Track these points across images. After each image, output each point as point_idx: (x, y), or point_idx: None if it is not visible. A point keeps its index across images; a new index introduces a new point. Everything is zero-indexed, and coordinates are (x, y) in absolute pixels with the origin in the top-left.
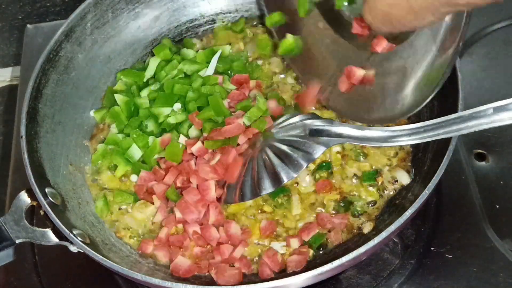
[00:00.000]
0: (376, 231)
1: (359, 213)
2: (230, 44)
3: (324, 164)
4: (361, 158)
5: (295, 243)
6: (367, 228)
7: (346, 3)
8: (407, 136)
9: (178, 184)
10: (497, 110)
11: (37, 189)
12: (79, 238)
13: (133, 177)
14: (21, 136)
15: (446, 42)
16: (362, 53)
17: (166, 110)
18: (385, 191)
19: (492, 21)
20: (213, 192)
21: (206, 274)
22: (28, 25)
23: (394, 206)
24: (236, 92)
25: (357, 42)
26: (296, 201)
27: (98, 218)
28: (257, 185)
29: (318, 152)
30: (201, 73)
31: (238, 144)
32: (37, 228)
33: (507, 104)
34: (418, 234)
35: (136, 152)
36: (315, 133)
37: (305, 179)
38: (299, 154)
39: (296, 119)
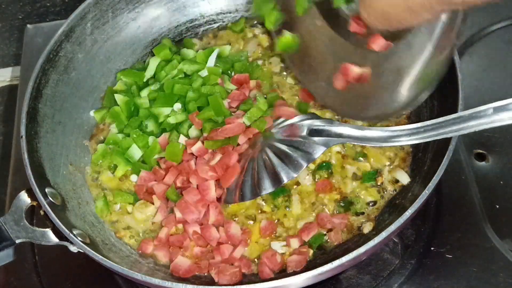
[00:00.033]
0: (376, 231)
1: (359, 213)
2: (230, 44)
3: (324, 164)
4: (361, 158)
5: (295, 243)
6: (367, 228)
7: (344, 2)
8: (407, 136)
9: (178, 184)
10: (497, 110)
11: (37, 189)
12: (79, 238)
13: (133, 177)
14: (21, 136)
15: (443, 41)
16: (359, 51)
17: (166, 110)
18: (385, 191)
19: (492, 21)
20: (213, 192)
21: (206, 274)
22: (28, 25)
23: (394, 206)
24: (236, 92)
25: (355, 40)
26: (296, 201)
27: (98, 218)
28: (257, 185)
29: (318, 152)
30: (201, 73)
31: (238, 144)
32: (37, 228)
33: (507, 104)
34: (418, 234)
35: (136, 152)
36: (315, 133)
37: (305, 179)
38: (299, 154)
39: (296, 119)
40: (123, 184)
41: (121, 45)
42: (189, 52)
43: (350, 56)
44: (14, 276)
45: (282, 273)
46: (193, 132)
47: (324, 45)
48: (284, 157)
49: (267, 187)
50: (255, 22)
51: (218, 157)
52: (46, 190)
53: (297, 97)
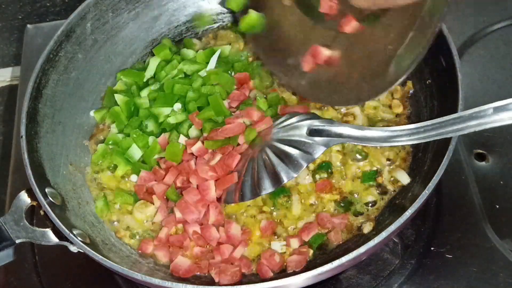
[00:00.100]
0: (376, 231)
1: (359, 213)
2: (230, 44)
3: (324, 164)
4: (361, 158)
5: (295, 243)
6: (367, 228)
7: None
8: (407, 136)
9: (178, 184)
10: (497, 110)
11: (37, 189)
12: (79, 238)
13: (133, 177)
14: (21, 136)
15: (425, 23)
16: (329, 33)
17: (166, 110)
18: (385, 191)
19: (492, 21)
20: (213, 192)
21: (206, 274)
22: (28, 25)
23: (394, 206)
24: (236, 92)
25: (325, 22)
26: (296, 201)
27: (98, 218)
28: (257, 185)
29: (318, 152)
30: (201, 73)
31: (239, 144)
32: (37, 228)
33: (507, 104)
34: (418, 234)
35: (136, 152)
36: (315, 133)
37: (305, 179)
38: (299, 154)
39: (296, 119)
40: (123, 184)
41: (121, 45)
42: (189, 52)
43: (319, 38)
44: (14, 276)
45: (282, 273)
46: (193, 132)
47: (292, 26)
48: (284, 157)
49: (267, 187)
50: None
51: (218, 157)
52: (46, 190)
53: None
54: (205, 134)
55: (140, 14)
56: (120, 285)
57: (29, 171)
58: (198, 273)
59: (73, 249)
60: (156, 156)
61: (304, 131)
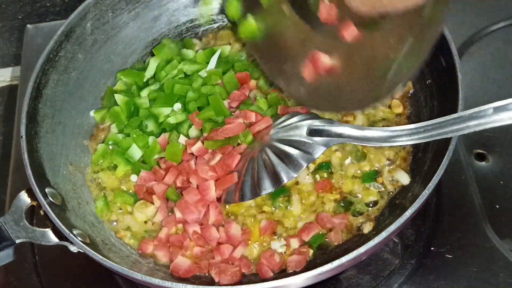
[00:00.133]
0: (376, 231)
1: (359, 213)
2: (230, 44)
3: (324, 164)
4: (361, 158)
5: (295, 243)
6: (367, 228)
7: None
8: (407, 136)
9: (178, 184)
10: (497, 110)
11: (37, 189)
12: (79, 238)
13: (133, 177)
14: (21, 136)
15: (425, 28)
16: (329, 40)
17: (166, 110)
18: (385, 191)
19: (492, 21)
20: (213, 192)
21: (206, 274)
22: (28, 25)
23: (394, 206)
24: (236, 93)
25: (324, 29)
26: (296, 201)
27: (98, 218)
28: (257, 185)
29: (318, 152)
30: (201, 73)
31: (239, 144)
32: (37, 228)
33: (507, 104)
34: (418, 234)
35: (136, 152)
36: (315, 133)
37: (305, 179)
38: (299, 154)
39: (296, 119)
40: (123, 184)
41: (121, 45)
42: (188, 52)
43: (319, 46)
44: (14, 276)
45: (282, 273)
46: (193, 132)
47: (291, 33)
48: (284, 157)
49: (267, 187)
50: None
51: (218, 157)
52: (46, 190)
53: None
54: (205, 134)
55: (140, 14)
56: (120, 285)
57: (29, 171)
58: (198, 273)
59: (73, 249)
60: (156, 156)
61: (304, 131)
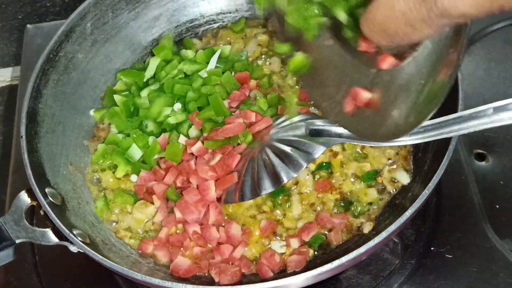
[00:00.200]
0: (376, 231)
1: (359, 213)
2: (230, 44)
3: (324, 164)
4: (361, 158)
5: (295, 243)
6: (367, 228)
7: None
8: (407, 136)
9: (178, 184)
10: (497, 110)
11: (37, 189)
12: (79, 238)
13: (133, 177)
14: (21, 136)
15: (449, 55)
16: (369, 71)
17: (166, 110)
18: (385, 191)
19: (492, 21)
20: (213, 192)
21: (206, 274)
22: (28, 25)
23: (394, 206)
24: (236, 93)
25: (365, 61)
26: (296, 201)
27: (98, 218)
28: (257, 185)
29: (318, 152)
30: (201, 73)
31: (239, 144)
32: (37, 228)
33: (507, 104)
34: (418, 234)
35: (136, 152)
36: (315, 133)
37: (305, 179)
38: (299, 154)
39: (296, 119)
40: (123, 184)
41: (121, 45)
42: (187, 53)
43: (360, 76)
44: (14, 276)
45: (282, 273)
46: (193, 132)
47: (334, 64)
48: (284, 157)
49: (267, 187)
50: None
51: (218, 157)
52: (46, 190)
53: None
54: (205, 134)
55: (140, 14)
56: (120, 285)
57: (29, 171)
58: (198, 273)
59: (73, 249)
60: (156, 156)
61: (304, 131)
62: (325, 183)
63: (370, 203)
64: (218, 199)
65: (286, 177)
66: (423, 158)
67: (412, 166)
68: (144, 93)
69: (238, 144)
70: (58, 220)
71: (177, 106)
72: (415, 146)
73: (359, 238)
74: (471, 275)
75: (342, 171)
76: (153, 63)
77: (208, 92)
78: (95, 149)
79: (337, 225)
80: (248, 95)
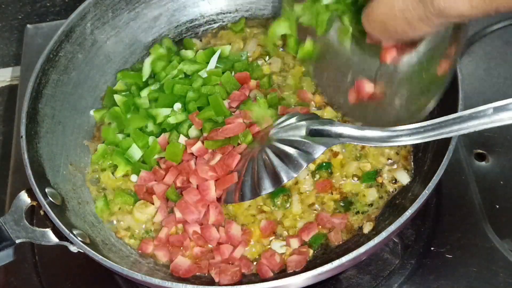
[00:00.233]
0: (376, 231)
1: (359, 213)
2: (230, 44)
3: (324, 164)
4: (361, 158)
5: (295, 243)
6: (367, 228)
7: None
8: (407, 136)
9: (178, 184)
10: (497, 110)
11: (37, 189)
12: (79, 238)
13: (133, 177)
14: (21, 136)
15: (449, 50)
16: (374, 63)
17: (166, 110)
18: (385, 191)
19: (492, 21)
20: (213, 192)
21: (206, 274)
22: (28, 25)
23: (394, 206)
24: (236, 93)
25: (371, 52)
26: (296, 201)
27: (98, 218)
28: (257, 185)
29: (318, 152)
30: (201, 73)
31: (239, 144)
32: (37, 228)
33: (507, 104)
34: (418, 234)
35: (136, 152)
36: (315, 133)
37: (305, 179)
38: (299, 154)
39: (296, 119)
40: (123, 184)
41: (121, 45)
42: (187, 53)
43: (366, 68)
44: (14, 276)
45: (282, 273)
46: (193, 132)
47: (342, 54)
48: (284, 157)
49: (267, 187)
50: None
51: (218, 157)
52: (46, 190)
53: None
54: (205, 134)
55: (140, 14)
56: (120, 285)
57: (29, 171)
58: (198, 273)
59: (73, 249)
60: (156, 156)
61: (304, 131)
62: (325, 183)
63: (370, 203)
64: (218, 199)
65: (286, 177)
66: (423, 158)
67: (412, 166)
68: (144, 93)
69: (238, 144)
70: (58, 220)
71: (177, 106)
72: (415, 146)
73: (359, 238)
74: (471, 275)
75: (342, 171)
76: (147, 62)
77: (208, 92)
78: (95, 149)
79: (337, 225)
80: (248, 95)
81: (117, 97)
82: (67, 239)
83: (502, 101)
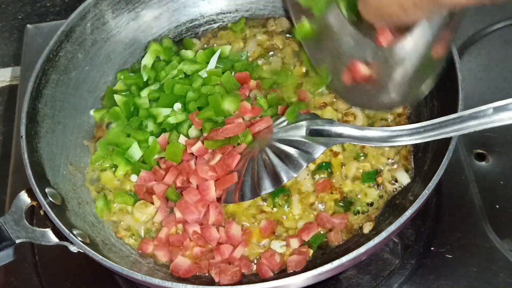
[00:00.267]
0: (376, 231)
1: (359, 213)
2: (230, 44)
3: (324, 164)
4: (361, 158)
5: (295, 243)
6: (367, 228)
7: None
8: (407, 136)
9: (178, 184)
10: (497, 110)
11: (37, 189)
12: (79, 238)
13: (133, 177)
14: (21, 136)
15: (444, 35)
16: (370, 44)
17: (166, 110)
18: (385, 191)
19: (492, 21)
20: (213, 192)
21: (206, 274)
22: (28, 25)
23: (394, 206)
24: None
25: (367, 33)
26: (296, 201)
27: (98, 218)
28: (257, 185)
29: (318, 152)
30: (201, 73)
31: (239, 144)
32: (37, 228)
33: (507, 104)
34: (418, 234)
35: (136, 152)
36: (315, 133)
37: (305, 179)
38: (299, 154)
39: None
40: (123, 184)
41: (121, 45)
42: (187, 53)
43: (361, 49)
44: (14, 276)
45: (282, 273)
46: (193, 132)
47: (339, 34)
48: (284, 157)
49: (267, 187)
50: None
51: (218, 157)
52: (46, 190)
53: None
54: (205, 134)
55: (140, 14)
56: (120, 285)
57: (29, 171)
58: (198, 273)
59: (73, 249)
60: (156, 156)
61: (304, 131)
62: (325, 183)
63: (370, 203)
64: (218, 199)
65: (286, 177)
66: (423, 158)
67: (412, 166)
68: (144, 93)
69: (238, 144)
70: (58, 220)
71: (177, 106)
72: (415, 146)
73: (359, 238)
74: (471, 275)
75: (342, 171)
76: (144, 62)
77: (208, 92)
78: (95, 149)
79: (337, 225)
80: (248, 95)
81: (117, 97)
82: (67, 239)
83: (502, 101)
